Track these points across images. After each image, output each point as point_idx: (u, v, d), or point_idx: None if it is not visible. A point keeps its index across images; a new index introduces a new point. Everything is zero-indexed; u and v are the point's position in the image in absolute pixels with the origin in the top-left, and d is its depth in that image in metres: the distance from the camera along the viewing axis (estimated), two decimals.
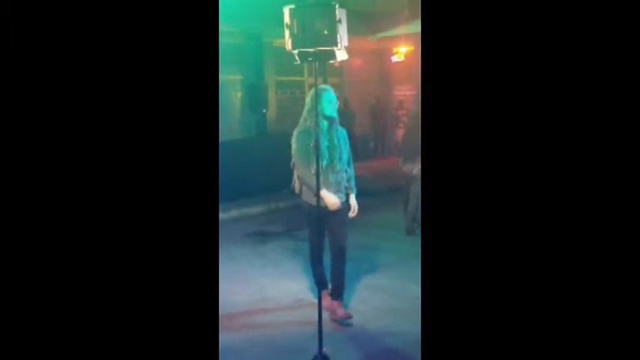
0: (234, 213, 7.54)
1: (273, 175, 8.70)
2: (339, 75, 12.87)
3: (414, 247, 5.80)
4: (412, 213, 6.38)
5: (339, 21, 2.56)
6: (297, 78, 12.35)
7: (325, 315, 3.45)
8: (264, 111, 10.17)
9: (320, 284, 3.82)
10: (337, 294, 3.88)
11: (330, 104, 3.71)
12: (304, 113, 3.78)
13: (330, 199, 3.66)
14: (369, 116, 13.37)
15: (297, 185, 3.83)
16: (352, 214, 3.83)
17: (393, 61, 12.26)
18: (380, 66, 13.47)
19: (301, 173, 3.71)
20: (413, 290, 4.38)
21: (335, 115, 3.73)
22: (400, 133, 13.15)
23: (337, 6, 2.55)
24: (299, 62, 2.71)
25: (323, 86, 3.84)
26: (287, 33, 2.63)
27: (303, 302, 4.26)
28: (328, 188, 3.68)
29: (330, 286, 3.92)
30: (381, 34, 10.96)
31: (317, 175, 3.09)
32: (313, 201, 3.50)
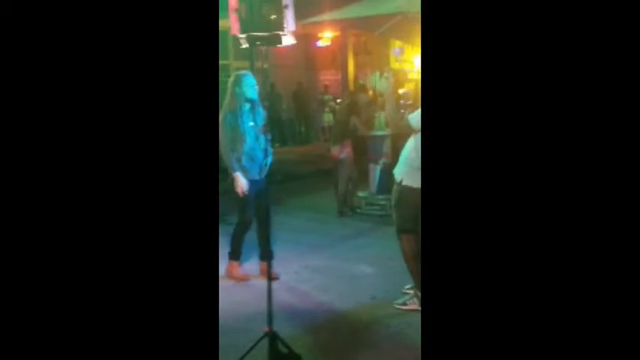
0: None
1: None
2: (265, 59, 12.81)
3: (344, 228, 6.00)
4: (343, 195, 6.55)
5: (286, 6, 2.61)
6: (223, 62, 12.19)
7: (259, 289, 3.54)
8: None
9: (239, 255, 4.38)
10: (269, 257, 4.26)
11: (252, 88, 4.13)
12: (227, 97, 4.17)
13: (239, 182, 4.11)
14: (293, 100, 13.44)
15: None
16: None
17: (319, 46, 12.37)
18: (305, 51, 13.55)
19: (224, 155, 4.09)
20: (348, 269, 4.56)
21: (256, 97, 4.13)
22: (326, 117, 13.35)
23: None
24: (246, 46, 2.74)
25: (243, 72, 4.34)
26: (234, 17, 2.66)
27: (244, 285, 4.32)
28: (252, 165, 4.15)
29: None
30: (307, 20, 11.02)
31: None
32: (247, 175, 4.12)
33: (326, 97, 13.52)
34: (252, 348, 2.92)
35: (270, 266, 3.17)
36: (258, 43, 2.71)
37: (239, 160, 4.12)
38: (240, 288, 4.24)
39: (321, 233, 5.77)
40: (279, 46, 2.74)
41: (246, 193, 4.14)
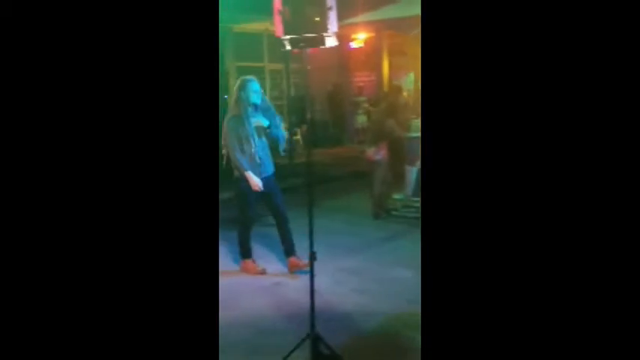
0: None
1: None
2: (301, 61, 12.86)
3: (380, 230, 5.96)
4: (378, 197, 6.52)
5: (330, 8, 2.62)
6: (257, 64, 12.29)
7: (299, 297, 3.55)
8: (225, 97, 10.10)
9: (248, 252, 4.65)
10: (293, 251, 4.61)
11: (255, 93, 4.32)
12: (232, 102, 4.38)
13: (253, 180, 4.32)
14: (327, 103, 13.44)
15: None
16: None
17: (353, 47, 12.35)
18: (339, 52, 13.55)
19: (233, 156, 4.31)
20: (384, 272, 4.53)
21: (259, 101, 4.35)
22: (360, 119, 13.31)
23: None
24: (289, 48, 2.75)
25: (247, 77, 4.47)
26: (278, 19, 2.67)
27: (280, 285, 4.33)
28: (257, 164, 4.34)
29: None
30: (342, 22, 11.02)
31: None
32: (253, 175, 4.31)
33: (360, 99, 13.49)
34: (295, 349, 2.93)
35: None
36: (301, 45, 2.72)
37: (252, 160, 4.33)
38: (276, 288, 4.26)
39: (357, 235, 5.75)
40: (322, 47, 2.73)
41: (262, 189, 4.36)
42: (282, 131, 4.59)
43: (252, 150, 4.29)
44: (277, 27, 2.70)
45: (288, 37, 2.69)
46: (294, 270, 4.54)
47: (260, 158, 4.35)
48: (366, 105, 12.90)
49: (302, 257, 4.47)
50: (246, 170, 4.30)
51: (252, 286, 4.33)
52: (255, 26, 11.48)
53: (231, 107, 4.37)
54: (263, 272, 4.59)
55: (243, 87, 4.32)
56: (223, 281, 4.41)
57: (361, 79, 13.96)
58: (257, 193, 4.37)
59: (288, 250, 4.62)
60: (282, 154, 4.60)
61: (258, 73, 12.52)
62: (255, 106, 4.33)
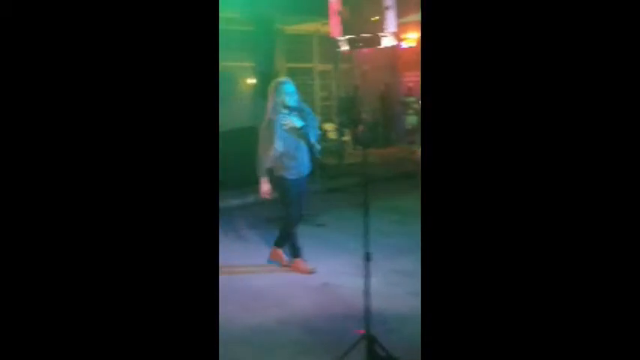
0: (250, 199, 7.59)
1: None
2: (350, 61, 12.86)
3: None
4: None
5: (388, 7, 2.60)
6: (307, 65, 12.35)
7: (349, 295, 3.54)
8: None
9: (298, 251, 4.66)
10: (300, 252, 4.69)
11: (290, 95, 4.28)
12: (268, 103, 4.37)
13: (263, 186, 4.44)
14: (378, 103, 13.37)
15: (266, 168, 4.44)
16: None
17: (403, 47, 12.25)
18: (390, 52, 13.47)
19: (261, 158, 4.40)
20: None
21: (294, 103, 4.30)
22: (410, 120, 13.19)
23: None
24: (347, 49, 2.75)
25: (282, 79, 4.44)
26: (336, 20, 2.67)
27: (331, 285, 4.34)
28: (294, 165, 4.38)
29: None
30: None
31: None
32: (290, 175, 4.40)
33: (409, 99, 13.36)
34: (350, 349, 2.92)
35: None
36: (360, 44, 2.71)
37: (279, 160, 4.37)
38: (326, 288, 4.26)
39: (407, 236, 5.69)
40: (379, 47, 2.72)
41: (291, 191, 4.42)
42: (316, 133, 4.56)
43: (276, 152, 4.31)
44: (335, 28, 2.70)
45: (345, 37, 2.69)
46: (304, 270, 4.62)
47: (295, 159, 4.38)
48: (416, 105, 12.77)
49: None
50: (261, 175, 4.40)
51: (302, 286, 4.34)
52: (306, 27, 11.54)
53: (269, 109, 4.40)
54: (287, 265, 4.69)
55: (277, 89, 4.33)
56: (272, 280, 4.47)
57: (411, 79, 13.82)
58: (297, 190, 4.46)
59: (294, 252, 4.70)
60: (318, 155, 4.57)
61: (308, 74, 12.61)
62: (290, 108, 4.32)
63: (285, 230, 4.68)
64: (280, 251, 4.79)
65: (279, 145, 4.31)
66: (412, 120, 12.84)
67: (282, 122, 4.31)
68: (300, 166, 4.45)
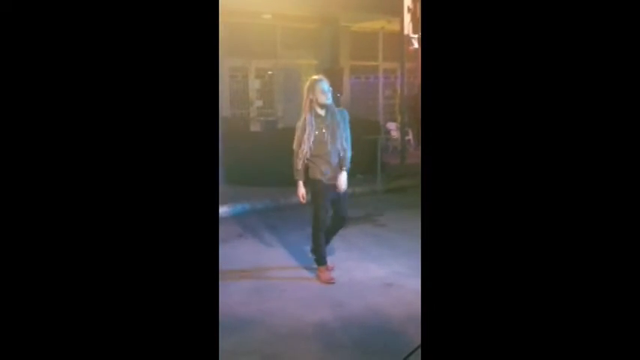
0: (309, 197, 7.62)
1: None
2: (416, 59, 12.69)
3: None
4: None
5: None
6: (372, 63, 12.28)
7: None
8: (338, 95, 10.20)
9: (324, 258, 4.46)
10: (321, 261, 4.50)
11: (324, 93, 4.19)
12: (303, 103, 4.29)
13: (299, 190, 4.33)
14: None
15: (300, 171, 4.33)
16: (339, 189, 4.33)
17: None
18: None
19: (294, 158, 4.30)
20: None
21: (328, 102, 4.21)
22: None
23: None
24: (418, 46, 2.69)
25: (317, 77, 4.33)
26: (407, 17, 2.62)
27: (392, 286, 4.28)
28: (327, 165, 4.23)
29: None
30: None
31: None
32: (321, 177, 4.24)
33: None
34: (410, 354, 2.87)
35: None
36: None
37: (312, 161, 4.24)
38: (388, 289, 4.21)
39: None
40: None
41: (324, 194, 4.27)
42: (348, 138, 4.32)
43: (306, 151, 4.21)
44: (406, 25, 2.65)
45: (417, 35, 2.63)
46: (326, 280, 4.39)
47: (329, 162, 4.23)
48: None
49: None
50: (297, 178, 4.29)
51: (364, 286, 4.31)
52: (371, 25, 11.48)
53: (304, 108, 4.29)
54: (331, 281, 4.39)
55: (311, 87, 4.23)
56: (339, 279, 4.46)
57: None
58: (330, 195, 4.30)
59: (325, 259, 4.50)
60: (344, 163, 4.28)
61: (373, 71, 12.53)
62: (326, 107, 4.23)
63: (315, 240, 4.46)
64: (323, 268, 4.48)
65: (310, 146, 4.21)
66: None
67: (317, 121, 4.21)
68: (332, 170, 4.27)
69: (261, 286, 4.36)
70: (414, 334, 3.07)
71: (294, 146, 4.30)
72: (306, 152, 4.22)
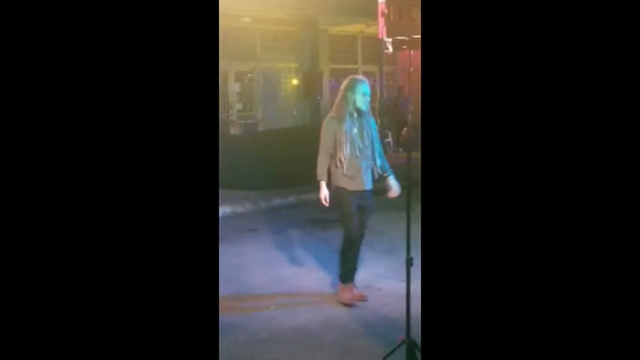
0: (292, 199, 7.64)
1: None
2: (395, 63, 12.78)
3: None
4: None
5: None
6: (351, 66, 12.33)
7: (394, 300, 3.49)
8: (318, 98, 10.22)
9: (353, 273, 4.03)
10: (348, 278, 4.05)
11: (364, 97, 3.82)
12: (337, 101, 3.91)
13: (322, 191, 3.88)
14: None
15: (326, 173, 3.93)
16: (394, 194, 4.00)
17: None
18: None
19: (319, 158, 3.88)
20: None
21: (365, 108, 3.84)
22: None
23: None
24: (391, 51, 2.73)
25: (359, 77, 3.95)
26: (381, 21, 2.65)
27: (372, 288, 4.31)
28: (355, 173, 3.83)
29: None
30: None
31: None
32: (351, 186, 3.82)
33: None
34: (390, 354, 2.90)
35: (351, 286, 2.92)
36: (404, 47, 2.69)
37: (342, 168, 3.84)
38: (369, 291, 4.23)
39: None
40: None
41: (351, 203, 3.85)
42: (380, 152, 4.02)
43: (345, 156, 3.80)
44: (380, 29, 2.68)
45: (389, 39, 2.67)
46: (346, 300, 3.96)
47: (360, 169, 3.84)
48: None
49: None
50: (320, 179, 3.87)
51: None
52: (350, 28, 11.54)
53: (335, 107, 3.92)
54: (363, 298, 4.01)
55: (352, 87, 3.82)
56: (316, 282, 4.47)
57: None
58: (356, 205, 3.87)
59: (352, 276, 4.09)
60: (381, 171, 3.97)
61: (352, 75, 12.58)
62: (360, 112, 3.85)
63: (343, 253, 3.98)
64: (344, 286, 4.04)
65: (346, 149, 3.79)
66: None
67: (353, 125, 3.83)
68: (363, 177, 3.87)
69: (241, 290, 4.36)
70: (393, 335, 3.09)
71: (321, 145, 3.88)
72: (344, 159, 3.80)
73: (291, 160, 7.80)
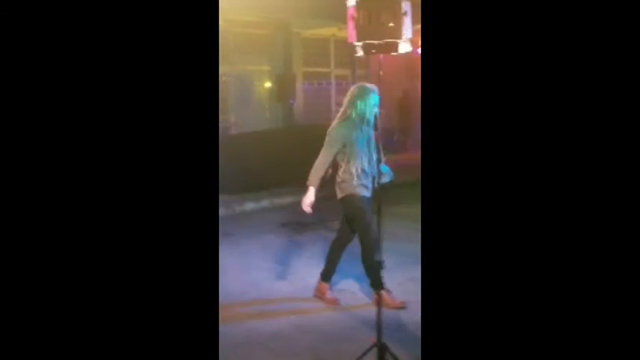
0: (265, 203, 7.61)
1: (301, 166, 8.79)
2: (367, 67, 12.83)
3: None
4: None
5: (405, 13, 2.58)
6: (324, 69, 12.35)
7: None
8: (291, 102, 10.20)
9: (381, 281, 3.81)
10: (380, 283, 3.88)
11: (374, 108, 3.73)
12: (345, 108, 3.79)
13: (308, 197, 3.77)
14: (396, 109, 13.32)
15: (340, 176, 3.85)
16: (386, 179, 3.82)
17: (419, 53, 12.17)
18: (407, 58, 13.40)
19: (319, 162, 3.78)
20: None
21: (373, 120, 3.75)
22: None
23: None
24: (362, 54, 2.74)
25: (370, 86, 3.81)
26: (351, 25, 2.66)
27: (345, 292, 4.31)
28: (368, 181, 3.79)
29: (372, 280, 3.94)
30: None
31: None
32: (364, 192, 3.78)
33: None
34: (360, 357, 2.90)
35: (380, 295, 2.95)
36: (373, 51, 2.69)
37: (358, 176, 3.79)
38: (342, 295, 4.24)
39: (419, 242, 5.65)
40: (395, 54, 2.70)
41: (367, 211, 3.82)
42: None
43: (361, 167, 3.75)
44: (350, 33, 2.69)
45: (360, 43, 2.68)
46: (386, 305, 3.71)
47: (368, 176, 3.82)
48: None
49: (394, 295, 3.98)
50: (312, 185, 3.78)
51: None
52: (323, 31, 11.55)
53: (341, 114, 3.82)
54: (335, 303, 4.03)
55: (363, 97, 3.72)
56: (289, 287, 4.46)
57: None
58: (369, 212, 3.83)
59: (374, 283, 3.92)
60: (387, 178, 3.78)
61: (325, 78, 12.60)
62: (369, 123, 3.76)
63: (368, 264, 3.89)
64: (326, 285, 4.11)
65: (362, 159, 3.75)
66: None
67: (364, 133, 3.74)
68: (370, 185, 3.85)
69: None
70: (365, 338, 3.10)
71: (325, 151, 3.78)
72: (359, 169, 3.76)
73: (264, 164, 7.77)
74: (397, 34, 2.59)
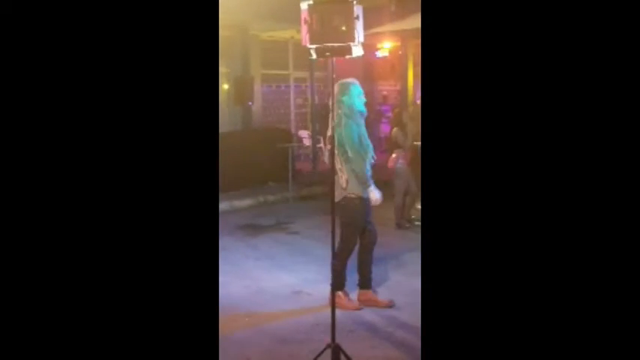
0: (224, 206, 7.54)
1: (259, 169, 8.77)
2: (325, 69, 12.88)
3: (404, 241, 5.90)
4: (399, 207, 6.46)
5: (357, 17, 2.61)
6: (283, 71, 12.34)
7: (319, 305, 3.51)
8: (250, 104, 10.15)
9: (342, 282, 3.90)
10: (369, 284, 4.02)
11: (360, 98, 3.73)
12: (338, 108, 3.63)
13: (375, 194, 3.77)
14: None
15: (343, 179, 3.76)
16: (377, 202, 3.89)
17: (378, 56, 12.31)
18: (364, 61, 13.53)
19: (355, 167, 3.69)
20: (411, 284, 4.47)
21: (364, 109, 3.77)
22: (384, 128, 13.26)
23: (355, 2, 2.61)
24: (315, 57, 2.75)
25: (349, 80, 3.79)
26: (305, 29, 2.67)
27: (301, 294, 4.32)
28: (370, 185, 3.79)
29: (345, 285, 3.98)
30: (368, 31, 11.00)
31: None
32: (364, 193, 3.75)
33: (384, 108, 13.44)
34: (315, 358, 2.91)
35: (334, 296, 2.96)
36: (327, 54, 2.72)
37: (368, 179, 3.78)
38: (297, 297, 4.24)
39: (380, 245, 5.69)
40: (349, 57, 2.73)
41: (368, 215, 3.81)
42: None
43: (371, 160, 3.75)
44: (304, 36, 2.70)
45: (314, 46, 2.70)
46: (367, 305, 3.93)
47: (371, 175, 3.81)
48: (389, 114, 12.86)
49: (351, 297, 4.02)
50: (370, 184, 3.73)
51: (273, 295, 4.32)
52: (281, 34, 11.55)
53: (336, 116, 3.64)
54: (358, 307, 3.91)
55: (344, 91, 3.70)
56: (246, 289, 4.43)
57: (385, 87, 13.91)
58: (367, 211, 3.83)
59: (368, 283, 4.05)
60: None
61: (284, 80, 12.60)
62: (362, 114, 3.76)
63: (343, 262, 3.87)
64: (342, 294, 3.92)
65: (368, 168, 3.70)
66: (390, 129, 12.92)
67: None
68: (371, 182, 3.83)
69: None
70: (320, 340, 3.11)
71: (354, 146, 3.69)
72: (368, 170, 3.71)
73: (222, 166, 7.68)
74: (350, 37, 2.62)
